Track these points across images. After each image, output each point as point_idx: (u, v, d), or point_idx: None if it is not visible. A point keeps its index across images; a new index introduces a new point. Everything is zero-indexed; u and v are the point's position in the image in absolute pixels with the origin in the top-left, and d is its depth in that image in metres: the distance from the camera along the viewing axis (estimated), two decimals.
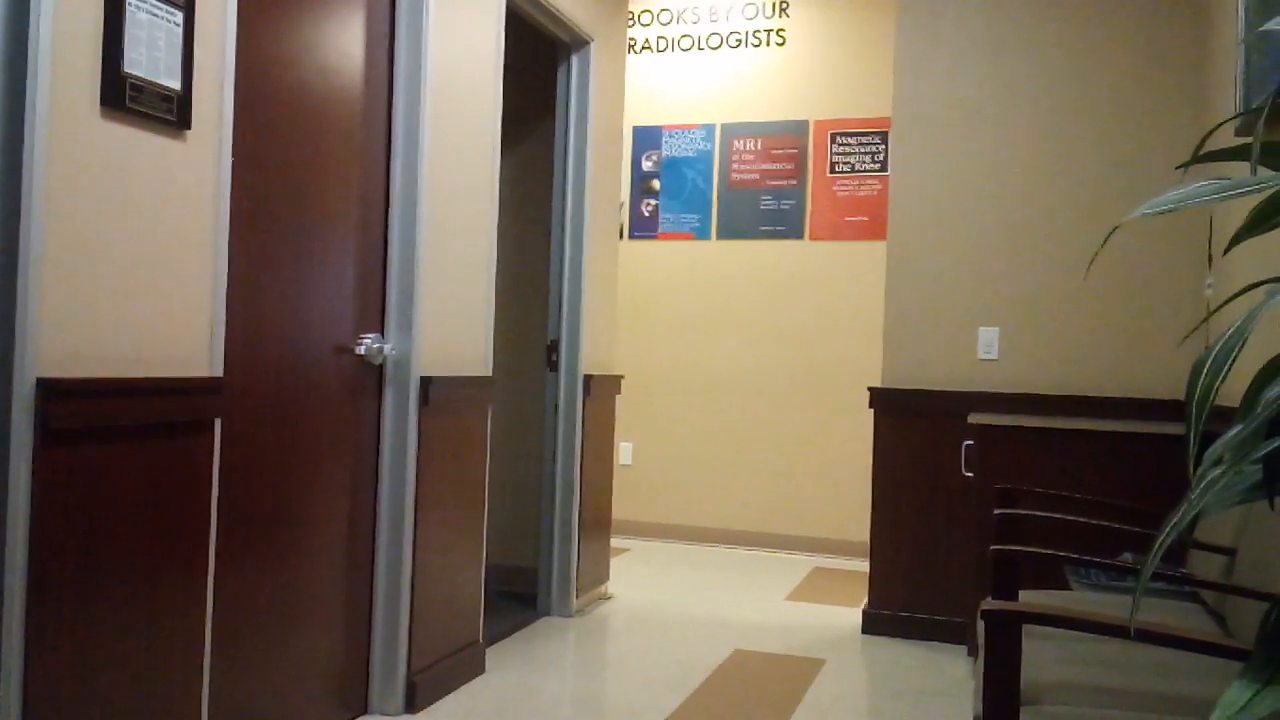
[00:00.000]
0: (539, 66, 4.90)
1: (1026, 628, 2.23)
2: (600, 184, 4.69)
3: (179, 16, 2.28)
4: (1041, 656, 2.07)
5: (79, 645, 2.06)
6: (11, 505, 1.93)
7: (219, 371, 2.43)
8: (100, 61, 2.09)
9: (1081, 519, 2.73)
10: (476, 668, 3.60)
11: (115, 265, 2.14)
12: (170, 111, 2.26)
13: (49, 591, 1.99)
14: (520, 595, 4.71)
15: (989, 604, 1.60)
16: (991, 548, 2.26)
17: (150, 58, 2.20)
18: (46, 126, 1.96)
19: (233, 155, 2.49)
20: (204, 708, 2.39)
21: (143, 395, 2.19)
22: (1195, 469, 1.04)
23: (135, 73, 2.16)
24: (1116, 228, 1.33)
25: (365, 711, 3.17)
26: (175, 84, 2.27)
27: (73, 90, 2.03)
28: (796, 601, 4.96)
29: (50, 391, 1.96)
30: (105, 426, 2.11)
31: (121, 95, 2.12)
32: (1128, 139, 4.27)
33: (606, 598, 4.84)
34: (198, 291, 2.37)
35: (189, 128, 2.32)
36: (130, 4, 2.14)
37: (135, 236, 2.19)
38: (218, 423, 2.41)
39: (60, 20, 1.99)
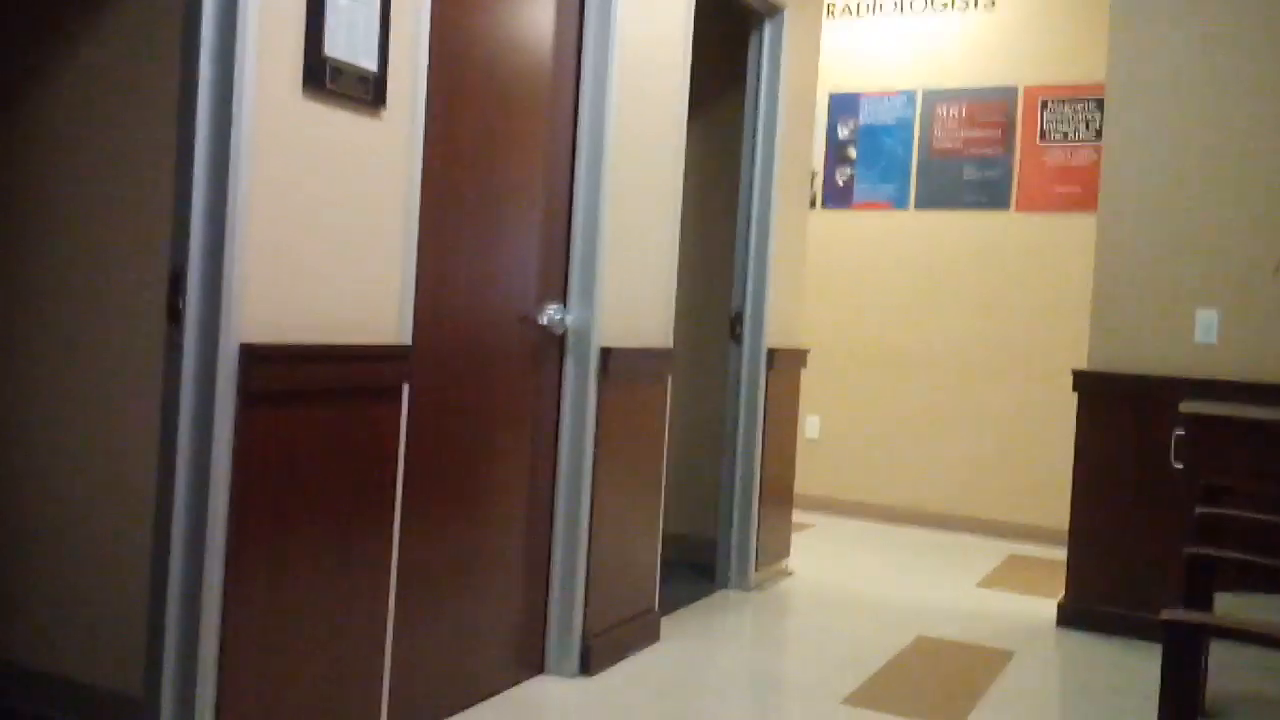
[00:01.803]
0: (729, 34, 4.85)
1: None
2: (791, 154, 4.62)
3: (376, 0, 2.37)
4: (1234, 664, 1.94)
5: (272, 595, 2.20)
6: (215, 461, 2.06)
7: (408, 339, 2.53)
8: (303, 46, 2.19)
9: None
10: (651, 635, 3.65)
11: (313, 238, 2.25)
12: (367, 91, 2.36)
13: (246, 543, 2.13)
14: (699, 566, 4.74)
15: (1170, 613, 1.50)
16: (1185, 550, 2.12)
17: (349, 41, 2.29)
18: (252, 108, 2.08)
19: (424, 131, 2.57)
20: (387, 659, 2.51)
21: (336, 361, 2.30)
22: None
23: (335, 55, 2.26)
24: None
25: (541, 672, 3.26)
26: (372, 65, 2.36)
27: (277, 74, 2.14)
28: (988, 589, 4.81)
29: (251, 356, 2.09)
30: (301, 390, 2.23)
31: (322, 77, 2.23)
32: None
33: (786, 573, 4.82)
34: (390, 262, 2.47)
35: (384, 106, 2.41)
36: None
37: (332, 210, 2.30)
38: (405, 388, 2.51)
39: (266, 8, 2.10)
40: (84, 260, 2.59)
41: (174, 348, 2.09)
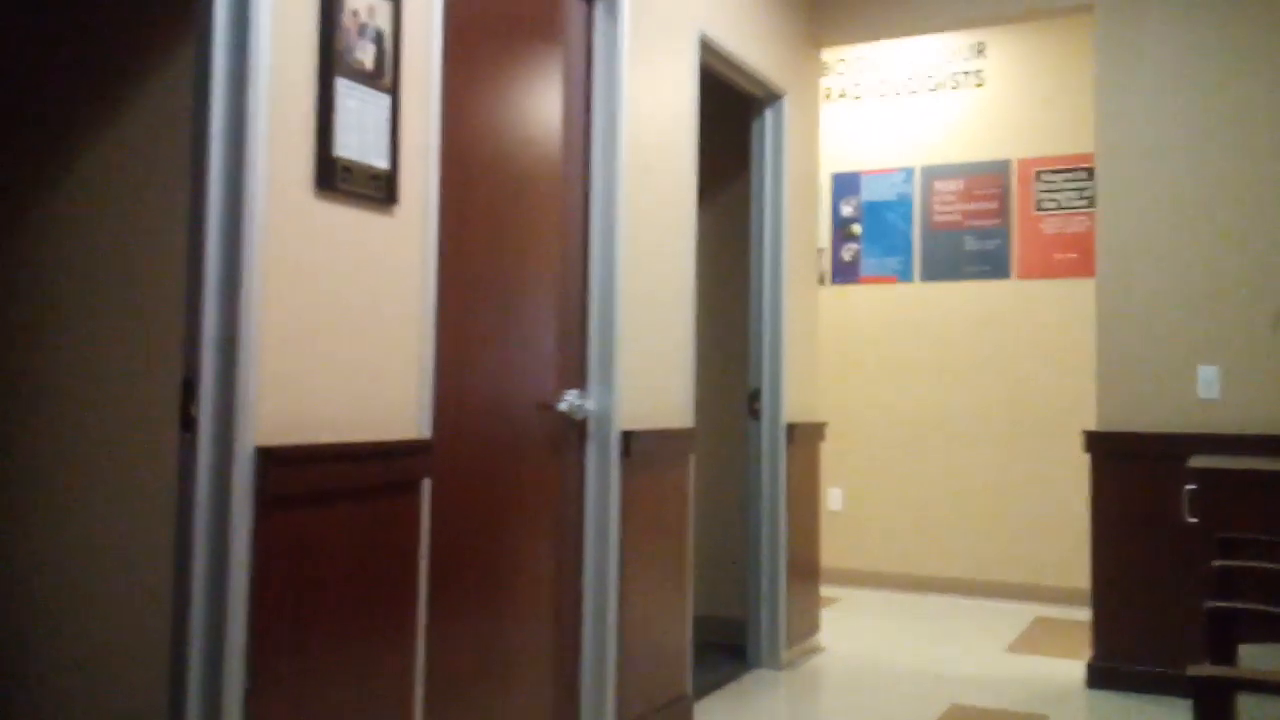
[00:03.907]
0: (732, 120, 4.97)
1: None
2: (797, 233, 4.70)
3: (386, 101, 2.45)
4: (1260, 715, 1.92)
5: (295, 700, 2.16)
6: (233, 568, 2.02)
7: (427, 433, 2.55)
8: (314, 146, 2.25)
9: None
10: None
11: (329, 337, 2.28)
12: (379, 189, 2.42)
13: (267, 648, 2.09)
14: (730, 646, 4.70)
15: (1196, 669, 1.50)
16: (1206, 604, 2.11)
17: (360, 141, 2.37)
18: (264, 210, 2.10)
19: (438, 225, 2.62)
20: None
21: (355, 459, 2.29)
22: None
23: (346, 155, 2.32)
24: None
25: None
26: (384, 164, 2.43)
27: (288, 175, 2.19)
28: (1017, 653, 4.75)
29: (268, 459, 2.06)
30: (320, 491, 2.20)
31: (333, 177, 2.29)
32: None
33: (817, 649, 4.77)
34: (407, 357, 2.50)
35: (396, 203, 2.47)
36: (340, 93, 2.31)
37: (347, 308, 2.34)
38: (426, 482, 2.52)
39: (276, 111, 2.15)
40: (94, 367, 2.51)
41: (188, 455, 2.05)
